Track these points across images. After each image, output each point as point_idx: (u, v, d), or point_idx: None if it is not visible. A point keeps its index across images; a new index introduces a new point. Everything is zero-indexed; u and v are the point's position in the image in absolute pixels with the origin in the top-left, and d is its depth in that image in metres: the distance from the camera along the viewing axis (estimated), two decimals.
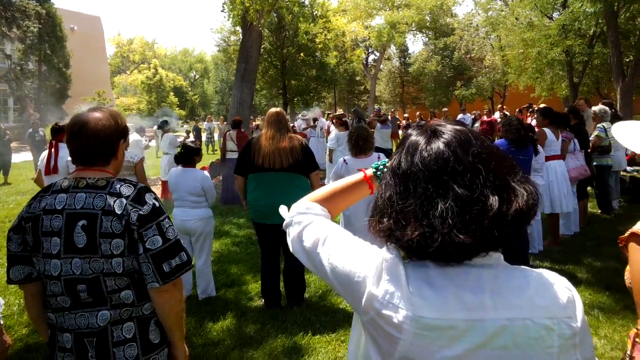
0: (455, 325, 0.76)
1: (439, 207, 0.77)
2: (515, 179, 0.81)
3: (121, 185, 1.55)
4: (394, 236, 0.81)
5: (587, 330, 0.80)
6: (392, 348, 0.80)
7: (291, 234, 1.05)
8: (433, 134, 0.86)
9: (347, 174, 4.14)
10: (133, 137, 9.16)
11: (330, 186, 1.14)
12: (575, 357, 0.77)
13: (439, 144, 0.83)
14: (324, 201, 1.10)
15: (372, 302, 0.81)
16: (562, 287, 0.81)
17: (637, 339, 1.43)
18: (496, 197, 0.77)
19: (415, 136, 0.89)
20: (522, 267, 0.85)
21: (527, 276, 0.82)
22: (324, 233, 0.97)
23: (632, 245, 1.41)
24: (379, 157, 4.23)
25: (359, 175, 1.14)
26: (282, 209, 1.16)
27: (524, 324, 0.76)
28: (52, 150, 4.39)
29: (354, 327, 0.99)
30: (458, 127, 0.87)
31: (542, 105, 7.06)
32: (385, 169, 1.10)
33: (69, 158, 4.23)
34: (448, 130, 0.86)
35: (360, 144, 4.09)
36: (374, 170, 1.14)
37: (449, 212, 0.76)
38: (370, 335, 0.84)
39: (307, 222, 1.02)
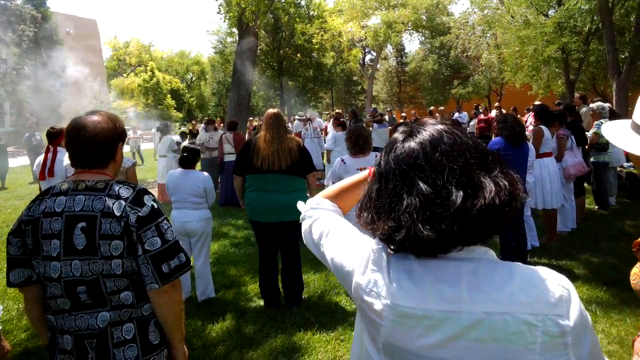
0: (430, 315, 0.79)
1: (404, 203, 0.81)
2: (491, 174, 0.81)
3: (120, 187, 1.56)
4: (372, 229, 0.86)
5: (584, 330, 0.77)
6: (376, 333, 0.86)
7: (304, 227, 1.14)
8: (410, 133, 0.89)
9: (345, 174, 4.17)
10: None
11: (339, 184, 1.23)
12: (567, 357, 0.75)
13: (412, 143, 0.86)
14: (334, 198, 1.19)
15: (358, 290, 0.88)
16: (554, 285, 0.78)
17: None
18: (460, 193, 0.77)
19: (396, 135, 0.92)
20: (511, 263, 0.83)
21: (512, 272, 0.80)
22: (327, 227, 1.06)
23: None
24: (376, 157, 4.22)
25: (365, 173, 1.20)
26: (300, 204, 1.26)
27: (503, 319, 0.76)
28: (49, 154, 4.38)
29: (358, 320, 1.03)
30: (439, 127, 0.87)
31: (537, 103, 7.08)
32: None
33: (69, 162, 4.24)
34: (426, 129, 0.88)
35: (360, 143, 4.06)
36: None
37: (411, 207, 0.79)
38: (364, 321, 0.91)
39: (316, 217, 1.11)
